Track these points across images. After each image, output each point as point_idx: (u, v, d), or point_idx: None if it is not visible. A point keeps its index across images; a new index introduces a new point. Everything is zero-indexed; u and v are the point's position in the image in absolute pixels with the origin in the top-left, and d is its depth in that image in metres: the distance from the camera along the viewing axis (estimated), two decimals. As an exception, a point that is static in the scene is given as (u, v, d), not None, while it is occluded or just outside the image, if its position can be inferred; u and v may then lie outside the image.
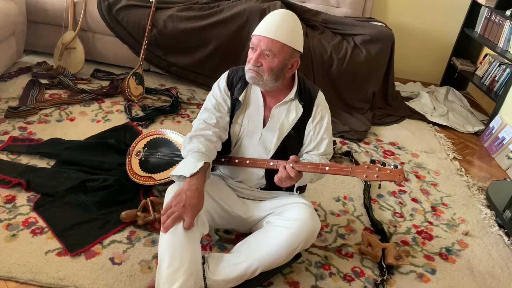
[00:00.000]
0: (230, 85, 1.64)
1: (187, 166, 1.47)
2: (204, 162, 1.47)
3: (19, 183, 1.91)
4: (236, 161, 1.61)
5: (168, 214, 1.40)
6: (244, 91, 1.62)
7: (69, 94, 2.79)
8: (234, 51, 3.03)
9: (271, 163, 1.54)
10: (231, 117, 1.64)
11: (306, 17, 3.31)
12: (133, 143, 2.10)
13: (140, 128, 2.55)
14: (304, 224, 1.49)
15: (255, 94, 1.63)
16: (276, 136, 1.60)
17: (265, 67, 1.49)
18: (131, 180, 2.03)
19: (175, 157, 1.94)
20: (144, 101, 2.89)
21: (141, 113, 2.73)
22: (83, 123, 2.52)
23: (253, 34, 1.52)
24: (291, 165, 1.45)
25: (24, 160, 2.11)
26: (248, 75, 1.53)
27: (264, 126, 1.62)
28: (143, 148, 2.04)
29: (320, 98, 1.64)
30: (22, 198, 1.86)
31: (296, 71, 1.60)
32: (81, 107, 2.69)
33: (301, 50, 1.55)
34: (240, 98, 1.61)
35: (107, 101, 2.80)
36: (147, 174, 1.91)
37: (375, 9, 3.85)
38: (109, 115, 2.65)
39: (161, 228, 1.45)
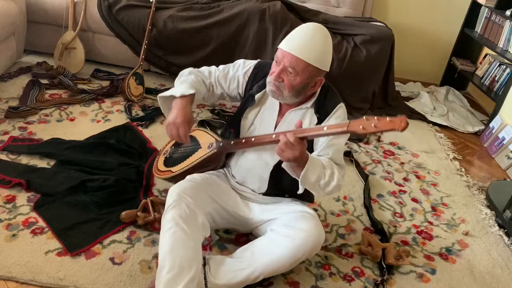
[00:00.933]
0: (254, 76, 1.64)
1: (179, 89, 1.55)
2: (194, 93, 1.56)
3: (19, 183, 1.91)
4: (243, 140, 1.58)
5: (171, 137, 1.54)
6: (263, 91, 1.61)
7: (69, 94, 2.79)
8: (234, 51, 3.03)
9: (274, 136, 1.46)
10: (243, 111, 1.65)
11: (306, 17, 3.30)
12: (165, 144, 2.07)
13: (140, 128, 2.55)
14: (309, 235, 1.48)
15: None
16: None
17: (286, 84, 1.46)
18: (133, 180, 2.04)
19: (194, 149, 1.82)
20: (144, 101, 2.89)
21: (141, 113, 2.73)
22: (83, 123, 2.52)
23: (279, 46, 1.48)
24: (291, 131, 1.36)
25: (24, 160, 2.11)
26: (268, 88, 1.52)
27: (275, 129, 1.61)
28: (171, 147, 1.99)
29: (340, 110, 1.57)
30: (22, 198, 1.86)
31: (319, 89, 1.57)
32: (81, 107, 2.69)
33: (328, 69, 1.49)
34: (256, 96, 1.61)
35: (107, 101, 2.80)
36: (166, 169, 1.86)
37: (375, 9, 3.84)
38: (109, 115, 2.65)
39: (161, 230, 1.46)
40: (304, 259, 1.54)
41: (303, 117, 1.58)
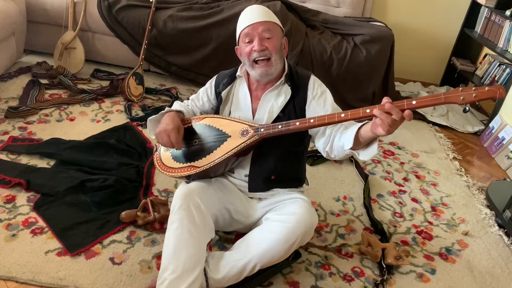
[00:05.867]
0: (218, 80, 1.73)
1: (167, 109, 1.67)
2: (181, 111, 1.67)
3: (19, 183, 1.91)
4: (312, 120, 1.42)
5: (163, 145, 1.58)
6: (229, 86, 1.68)
7: (69, 94, 2.80)
8: (234, 51, 3.03)
9: (368, 110, 1.30)
10: (218, 111, 1.70)
11: (306, 17, 3.31)
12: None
13: (140, 128, 2.55)
14: (301, 218, 1.49)
15: (242, 89, 1.66)
16: (266, 119, 1.60)
17: (270, 48, 1.52)
18: (133, 180, 2.04)
19: (219, 140, 1.61)
20: (144, 101, 2.90)
21: (141, 113, 2.73)
22: (83, 123, 2.52)
23: (241, 31, 1.56)
24: (400, 104, 1.25)
25: (24, 160, 2.11)
26: (259, 71, 1.55)
27: (253, 117, 1.63)
28: None
29: (314, 78, 1.63)
30: (22, 198, 1.87)
31: (285, 55, 1.63)
32: (81, 107, 2.69)
33: (283, 28, 1.63)
34: (223, 93, 1.67)
35: (107, 101, 2.80)
36: (185, 164, 1.61)
37: (375, 9, 3.85)
38: (109, 115, 2.65)
39: (167, 229, 1.46)
40: (299, 244, 1.52)
41: (279, 94, 1.61)
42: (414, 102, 1.26)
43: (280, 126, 1.47)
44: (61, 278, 1.53)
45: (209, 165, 1.54)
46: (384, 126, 1.25)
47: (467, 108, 1.27)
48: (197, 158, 1.60)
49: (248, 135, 1.53)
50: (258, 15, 1.54)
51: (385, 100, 1.27)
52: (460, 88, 1.24)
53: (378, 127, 1.27)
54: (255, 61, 1.54)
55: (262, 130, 1.51)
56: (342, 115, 1.36)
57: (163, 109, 1.71)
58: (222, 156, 1.53)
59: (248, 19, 1.55)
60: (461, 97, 1.23)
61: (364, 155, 1.40)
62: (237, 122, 1.59)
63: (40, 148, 2.19)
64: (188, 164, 1.60)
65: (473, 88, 1.23)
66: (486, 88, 1.21)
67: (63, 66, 3.02)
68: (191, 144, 1.65)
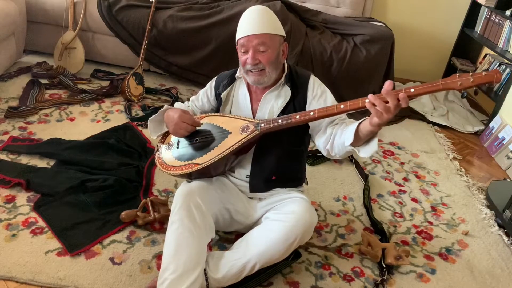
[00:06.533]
0: (218, 81, 1.73)
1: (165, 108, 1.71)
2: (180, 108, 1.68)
3: (19, 183, 1.91)
4: (311, 113, 1.43)
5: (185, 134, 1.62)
6: (229, 88, 1.68)
7: (69, 94, 2.80)
8: (234, 51, 2.98)
9: (367, 100, 1.31)
10: (218, 112, 1.71)
11: (306, 17, 3.31)
12: (160, 138, 1.80)
13: (140, 128, 2.55)
14: (300, 217, 1.49)
15: (242, 90, 1.67)
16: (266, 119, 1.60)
17: (264, 61, 1.51)
18: (133, 180, 2.03)
19: (220, 136, 1.62)
20: (144, 101, 2.90)
21: (141, 113, 2.73)
22: (83, 123, 2.52)
23: (238, 38, 1.55)
24: (398, 92, 1.24)
25: (24, 160, 2.11)
26: (251, 79, 1.55)
27: (254, 117, 1.63)
28: (170, 143, 1.78)
29: (313, 79, 1.63)
30: (22, 198, 1.87)
31: (285, 60, 1.63)
32: (81, 107, 2.69)
33: (284, 34, 1.60)
34: (223, 94, 1.68)
35: (107, 101, 2.80)
36: (187, 162, 1.61)
37: (375, 9, 3.85)
38: (109, 115, 2.65)
39: (167, 229, 1.46)
40: (298, 243, 1.52)
41: (279, 95, 1.61)
42: (412, 90, 1.27)
43: (280, 120, 1.48)
44: (61, 278, 1.53)
45: (210, 161, 1.54)
46: (378, 114, 1.25)
47: (465, 93, 1.28)
48: (199, 155, 1.60)
49: (249, 130, 1.54)
50: (255, 26, 1.51)
51: (387, 83, 1.26)
52: (457, 74, 1.25)
53: (374, 116, 1.27)
54: (249, 70, 1.54)
55: (262, 125, 1.52)
56: (342, 106, 1.36)
57: None
58: (224, 152, 1.54)
59: (245, 28, 1.53)
60: (459, 83, 1.23)
61: (364, 152, 1.40)
62: (238, 119, 1.60)
63: (40, 148, 2.19)
64: (190, 162, 1.60)
65: (470, 74, 1.23)
66: (483, 73, 1.22)
67: (63, 66, 3.02)
68: (192, 142, 1.65)
